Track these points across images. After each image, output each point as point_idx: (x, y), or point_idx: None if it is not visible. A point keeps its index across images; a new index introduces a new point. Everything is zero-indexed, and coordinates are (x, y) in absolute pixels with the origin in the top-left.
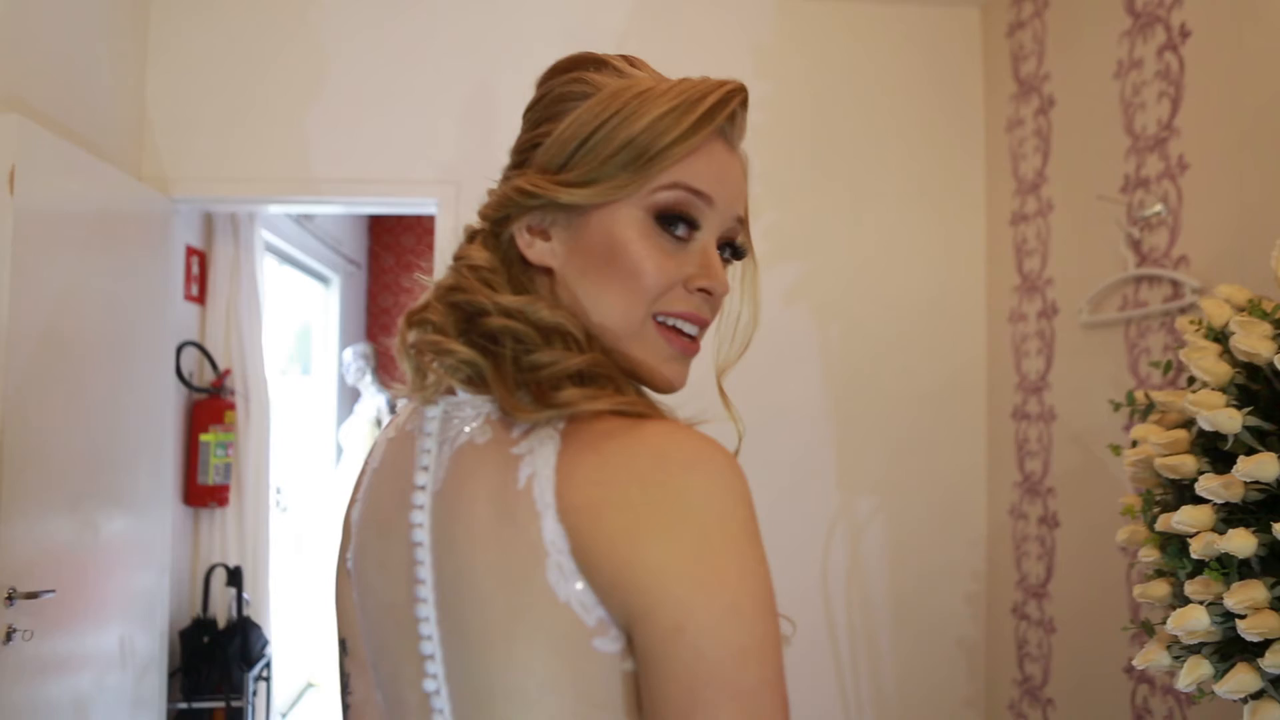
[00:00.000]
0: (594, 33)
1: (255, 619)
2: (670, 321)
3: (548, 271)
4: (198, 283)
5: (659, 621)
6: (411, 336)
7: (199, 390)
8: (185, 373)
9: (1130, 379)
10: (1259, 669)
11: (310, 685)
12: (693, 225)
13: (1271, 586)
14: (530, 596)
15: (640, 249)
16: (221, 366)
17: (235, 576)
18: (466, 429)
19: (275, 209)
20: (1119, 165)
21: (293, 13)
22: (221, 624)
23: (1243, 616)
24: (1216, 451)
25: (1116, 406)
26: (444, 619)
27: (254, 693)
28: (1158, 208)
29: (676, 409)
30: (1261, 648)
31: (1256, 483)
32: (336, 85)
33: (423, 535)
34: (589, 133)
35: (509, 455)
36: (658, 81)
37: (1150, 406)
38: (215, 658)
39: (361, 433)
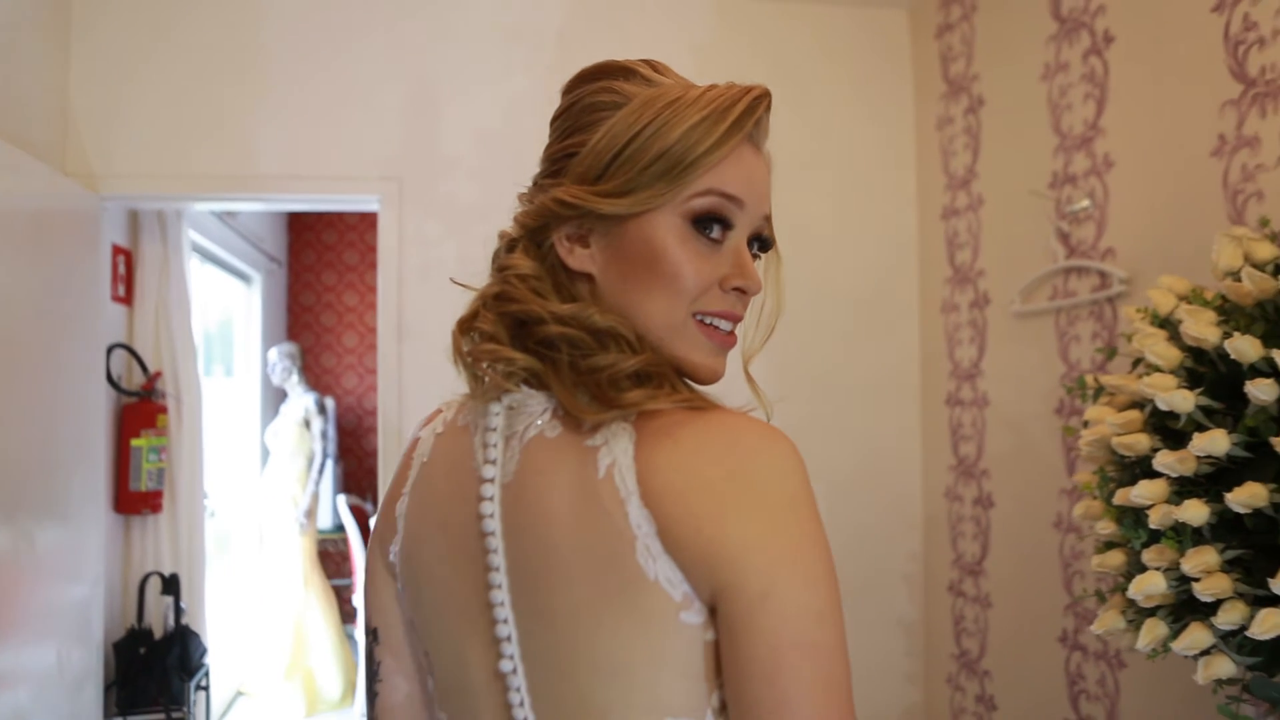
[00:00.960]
0: (534, 32)
1: (193, 627)
2: (709, 320)
3: (588, 276)
4: (124, 283)
5: (747, 590)
6: (465, 345)
7: (129, 394)
8: (114, 376)
9: (1060, 365)
10: (1211, 627)
11: (240, 694)
12: (726, 226)
13: (1222, 551)
14: (620, 577)
15: (679, 254)
16: (151, 369)
17: (171, 584)
18: (537, 424)
19: (211, 206)
20: (1047, 162)
21: (229, 3)
22: (158, 634)
23: (1197, 580)
24: (1166, 430)
25: (1070, 390)
26: (519, 602)
27: (193, 702)
28: (1085, 203)
29: (721, 399)
30: (1213, 608)
31: (1208, 457)
32: (274, 79)
33: (494, 524)
34: (624, 143)
35: (584, 447)
36: (685, 89)
37: (1100, 390)
38: (153, 669)
39: (289, 433)
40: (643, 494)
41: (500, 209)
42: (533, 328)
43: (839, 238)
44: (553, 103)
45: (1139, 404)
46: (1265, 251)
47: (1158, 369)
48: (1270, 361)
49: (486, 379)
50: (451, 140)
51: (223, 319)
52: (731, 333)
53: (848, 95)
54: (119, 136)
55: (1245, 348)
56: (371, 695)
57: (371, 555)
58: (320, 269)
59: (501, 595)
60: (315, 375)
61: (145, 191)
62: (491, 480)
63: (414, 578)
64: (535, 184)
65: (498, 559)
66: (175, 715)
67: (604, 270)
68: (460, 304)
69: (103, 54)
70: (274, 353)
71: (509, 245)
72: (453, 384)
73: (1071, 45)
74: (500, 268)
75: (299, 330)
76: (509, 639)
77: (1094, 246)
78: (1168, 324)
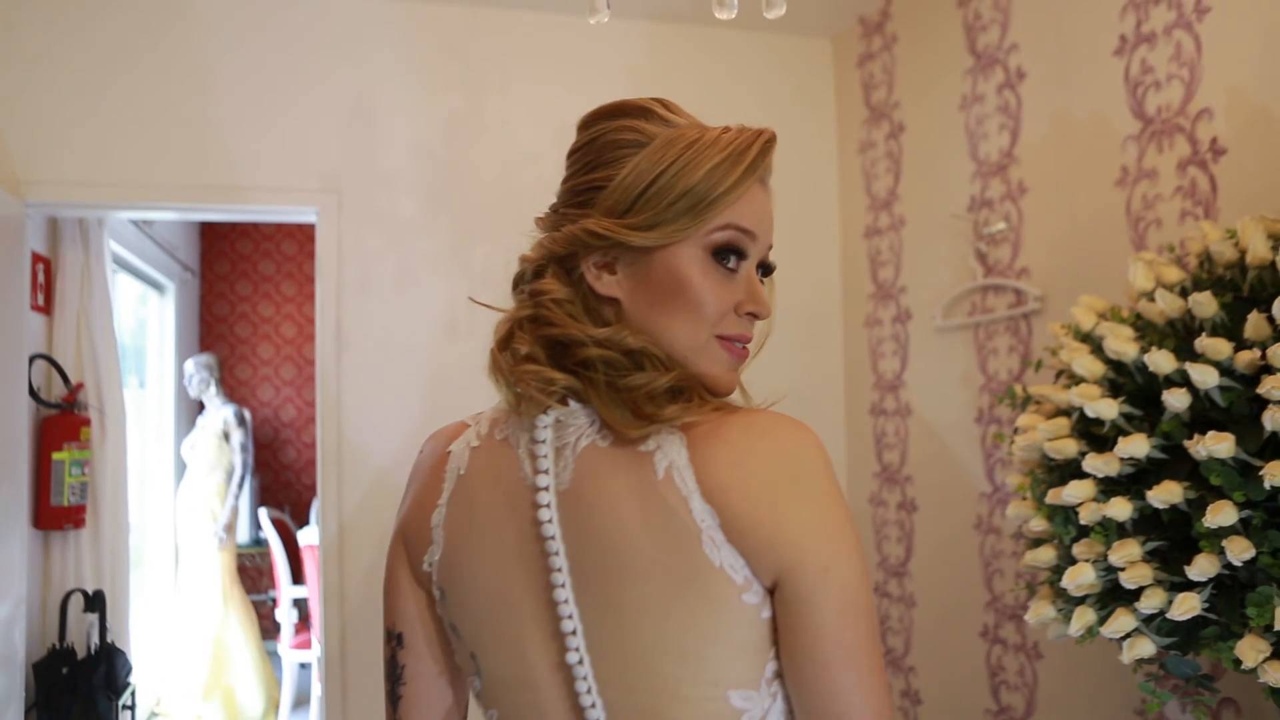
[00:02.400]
0: (473, 50)
1: (118, 644)
2: (728, 341)
3: (614, 300)
4: (44, 291)
5: (810, 566)
6: (504, 363)
7: (50, 406)
8: (34, 387)
9: (980, 376)
10: (1134, 611)
11: (154, 715)
12: (741, 257)
13: (1143, 543)
14: (688, 567)
15: (702, 284)
16: (73, 380)
17: (96, 601)
18: (588, 434)
19: (144, 216)
20: (966, 187)
21: (163, 8)
22: (81, 653)
23: (1122, 569)
24: (1090, 435)
25: (1000, 399)
26: (582, 598)
27: None
28: (1001, 225)
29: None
30: (1135, 595)
31: (1130, 459)
32: (210, 87)
33: (553, 529)
34: (649, 181)
35: (639, 453)
36: (702, 131)
37: (1028, 399)
38: (76, 689)
39: (207, 446)
40: (703, 491)
41: (441, 224)
42: (571, 349)
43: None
44: (492, 123)
45: (1064, 412)
46: (1173, 275)
47: (1082, 380)
48: (1183, 373)
49: (531, 395)
50: (391, 154)
51: (135, 329)
52: (746, 349)
53: (774, 119)
54: (46, 142)
55: (1161, 361)
56: (395, 698)
57: (395, 565)
58: (234, 279)
59: (565, 594)
60: (230, 387)
61: (74, 199)
62: (547, 489)
63: (459, 584)
64: (557, 212)
65: (559, 560)
66: None
67: (631, 296)
68: (403, 315)
69: (27, 59)
70: (191, 364)
71: (536, 270)
72: (395, 397)
73: (987, 79)
74: (534, 292)
75: (212, 341)
76: (574, 633)
77: (1010, 266)
78: (1089, 339)
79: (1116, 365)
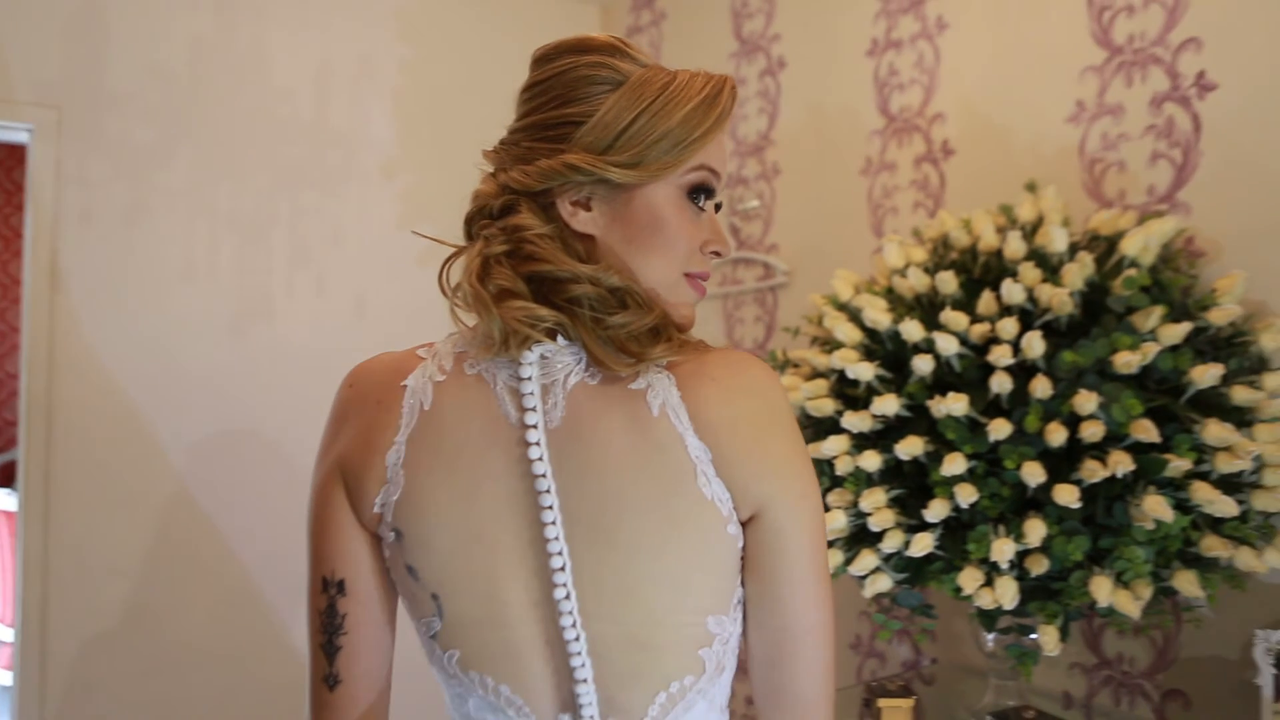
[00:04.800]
0: None
1: None
2: (693, 277)
3: (587, 238)
4: None
5: (791, 494)
6: (487, 297)
7: None
8: None
9: (727, 343)
10: (877, 551)
11: None
12: (710, 196)
13: (888, 491)
14: (684, 501)
15: (678, 222)
16: None
17: None
18: (578, 370)
19: None
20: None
21: None
22: None
23: (869, 515)
24: (845, 396)
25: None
26: (573, 534)
27: None
28: (754, 203)
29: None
30: (878, 537)
31: (881, 416)
32: None
33: (543, 467)
34: (630, 120)
35: (630, 391)
36: (670, 74)
37: (788, 362)
38: None
39: None
40: (696, 428)
41: (181, 156)
42: (557, 284)
43: None
44: (245, 53)
45: (821, 374)
46: (920, 255)
47: (841, 345)
48: (929, 342)
49: (512, 331)
50: (124, 72)
51: None
52: (704, 286)
53: None
54: None
55: (912, 330)
56: (333, 649)
57: (332, 508)
58: None
59: (556, 530)
60: None
61: None
62: (535, 426)
63: (422, 524)
64: (522, 147)
65: (550, 498)
66: None
67: (606, 233)
68: (134, 254)
69: None
70: None
71: (505, 205)
72: (123, 344)
73: (750, 64)
74: (512, 227)
75: None
76: (563, 569)
77: (760, 241)
78: (845, 308)
79: (871, 333)
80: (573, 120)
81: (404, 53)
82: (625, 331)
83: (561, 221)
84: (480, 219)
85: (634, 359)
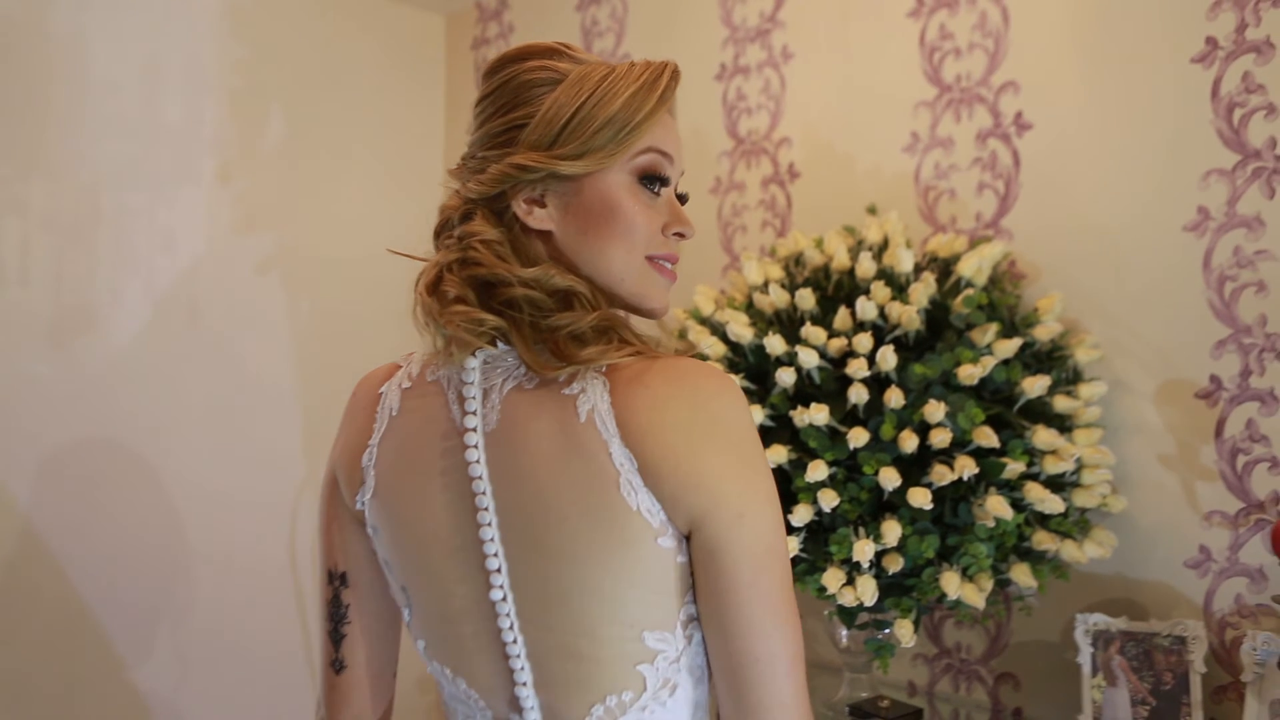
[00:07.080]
0: None
1: None
2: (659, 261)
3: (546, 234)
4: None
5: (725, 513)
6: (434, 306)
7: None
8: None
9: None
10: None
11: None
12: (664, 181)
13: None
14: (608, 510)
15: (633, 207)
16: None
17: None
18: (515, 374)
19: None
20: None
21: None
22: None
23: None
24: None
25: None
26: (508, 537)
27: None
28: None
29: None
30: None
31: None
32: None
33: (480, 469)
34: (571, 112)
35: (563, 396)
36: (609, 65)
37: None
38: None
39: None
40: (623, 435)
41: None
42: (498, 289)
43: (371, 222)
44: (62, 39)
45: None
46: (777, 273)
47: (704, 358)
48: (791, 355)
49: (461, 337)
50: None
51: None
52: (674, 270)
53: (380, 88)
54: None
55: (776, 344)
56: (339, 637)
57: (334, 505)
58: None
59: (491, 532)
60: None
61: None
62: (474, 430)
63: (391, 522)
64: (477, 159)
65: (486, 500)
66: None
67: (563, 227)
68: None
69: None
70: None
71: (464, 214)
72: None
73: None
74: (463, 235)
75: None
76: (499, 570)
77: None
78: (707, 322)
79: (734, 346)
80: (518, 124)
81: (240, 52)
82: (564, 333)
83: (519, 223)
84: (444, 232)
85: (565, 361)
